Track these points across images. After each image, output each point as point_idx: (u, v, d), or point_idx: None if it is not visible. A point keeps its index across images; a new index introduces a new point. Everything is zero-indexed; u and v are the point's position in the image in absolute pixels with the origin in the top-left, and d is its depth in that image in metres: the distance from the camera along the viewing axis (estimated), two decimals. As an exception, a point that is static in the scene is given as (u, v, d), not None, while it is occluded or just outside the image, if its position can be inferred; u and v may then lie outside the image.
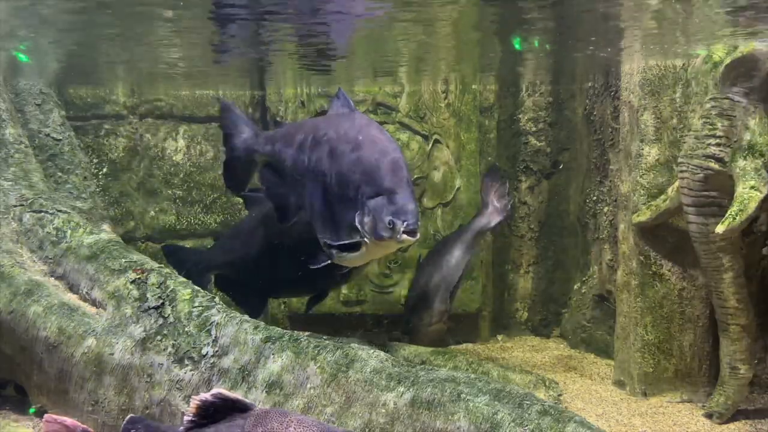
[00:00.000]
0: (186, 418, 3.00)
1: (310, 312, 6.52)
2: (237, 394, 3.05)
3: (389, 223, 4.52)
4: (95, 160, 7.59)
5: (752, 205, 4.97)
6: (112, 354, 4.69)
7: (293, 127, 5.57)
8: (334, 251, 4.96)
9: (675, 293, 6.02)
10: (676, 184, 5.57)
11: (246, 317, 4.72)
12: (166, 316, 4.73)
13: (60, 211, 5.56)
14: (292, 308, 7.35)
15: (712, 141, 5.19)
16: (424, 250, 7.13)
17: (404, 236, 4.52)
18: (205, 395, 2.99)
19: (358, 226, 4.68)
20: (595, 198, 7.36)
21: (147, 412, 4.54)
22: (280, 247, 6.01)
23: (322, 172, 4.93)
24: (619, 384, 6.35)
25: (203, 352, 4.55)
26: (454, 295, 6.74)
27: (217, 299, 4.87)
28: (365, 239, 4.70)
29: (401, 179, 4.63)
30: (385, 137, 4.85)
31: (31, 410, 5.08)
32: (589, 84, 7.46)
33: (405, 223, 4.50)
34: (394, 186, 4.59)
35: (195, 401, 2.99)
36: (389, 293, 7.43)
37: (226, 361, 4.48)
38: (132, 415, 3.65)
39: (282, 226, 5.67)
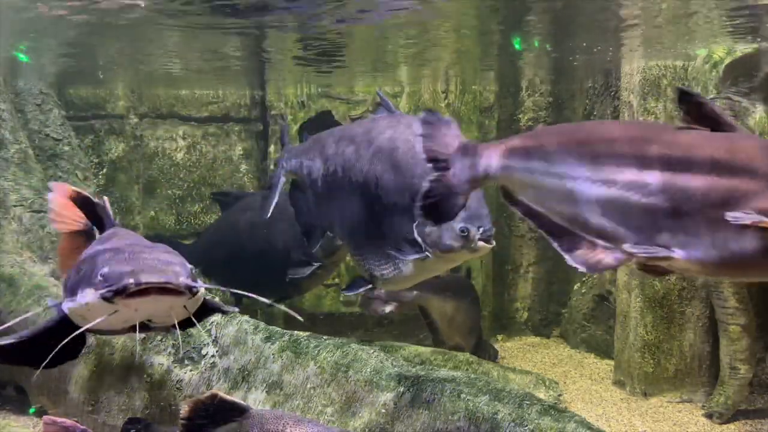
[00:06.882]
0: (180, 420, 3.00)
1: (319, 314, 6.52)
2: (233, 396, 3.04)
3: (462, 230, 3.90)
4: (95, 160, 7.59)
5: (752, 205, 4.96)
6: (112, 354, 4.69)
7: (320, 136, 4.90)
8: (377, 274, 4.25)
9: (675, 293, 6.01)
10: (676, 184, 5.56)
11: (246, 317, 4.72)
12: (166, 316, 4.72)
13: (60, 211, 5.56)
14: (294, 308, 7.32)
15: (712, 141, 5.19)
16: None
17: (481, 243, 3.93)
18: (199, 397, 2.98)
19: (418, 238, 3.99)
20: (595, 198, 7.34)
21: (147, 412, 4.54)
22: (242, 248, 6.15)
23: (362, 181, 4.25)
24: (619, 384, 6.35)
25: (203, 352, 4.55)
26: None
27: (217, 299, 4.87)
28: (428, 253, 4.00)
29: None
30: None
31: (31, 410, 5.08)
32: (589, 84, 7.45)
33: (481, 229, 3.91)
34: None
35: (188, 404, 2.98)
36: (389, 293, 7.41)
37: (227, 361, 4.48)
38: (132, 415, 3.65)
39: (248, 230, 5.66)
